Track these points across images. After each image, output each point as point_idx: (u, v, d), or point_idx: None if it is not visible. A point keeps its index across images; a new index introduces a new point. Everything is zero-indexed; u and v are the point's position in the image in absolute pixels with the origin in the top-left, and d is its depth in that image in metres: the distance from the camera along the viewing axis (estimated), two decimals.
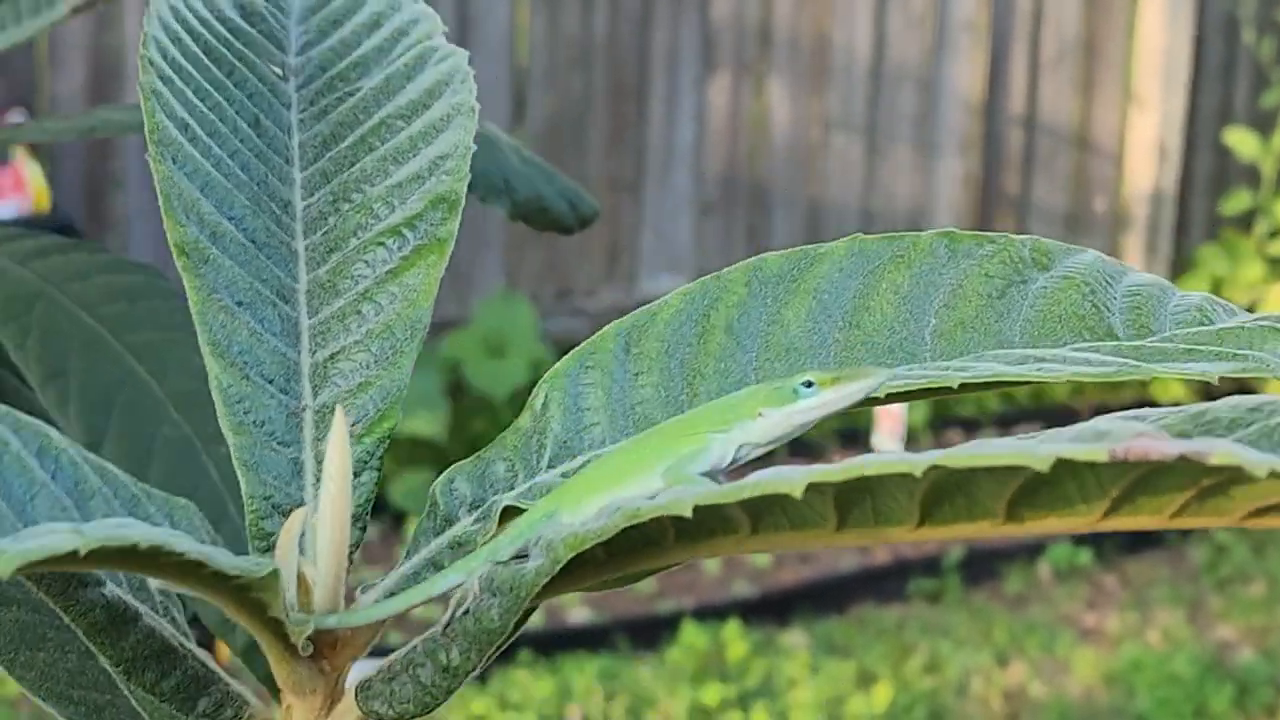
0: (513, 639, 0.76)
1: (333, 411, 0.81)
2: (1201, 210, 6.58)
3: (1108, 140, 6.43)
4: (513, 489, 0.81)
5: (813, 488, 0.63)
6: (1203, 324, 0.82)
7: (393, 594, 0.78)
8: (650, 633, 4.50)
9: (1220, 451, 0.58)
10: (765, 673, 4.33)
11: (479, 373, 5.46)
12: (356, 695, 0.76)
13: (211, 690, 0.77)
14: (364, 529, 0.80)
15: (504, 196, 1.29)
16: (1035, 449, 0.60)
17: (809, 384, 0.76)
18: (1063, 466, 0.61)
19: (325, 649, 0.78)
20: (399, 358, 0.84)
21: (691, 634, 4.40)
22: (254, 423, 0.82)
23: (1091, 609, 4.80)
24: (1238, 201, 6.32)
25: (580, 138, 5.80)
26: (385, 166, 0.91)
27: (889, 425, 5.25)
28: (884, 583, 4.85)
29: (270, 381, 0.83)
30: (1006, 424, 5.61)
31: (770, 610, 4.66)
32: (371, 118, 0.94)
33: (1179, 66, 6.32)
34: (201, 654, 0.77)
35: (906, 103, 6.16)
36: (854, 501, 0.66)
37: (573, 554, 0.68)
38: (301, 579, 0.76)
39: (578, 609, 4.64)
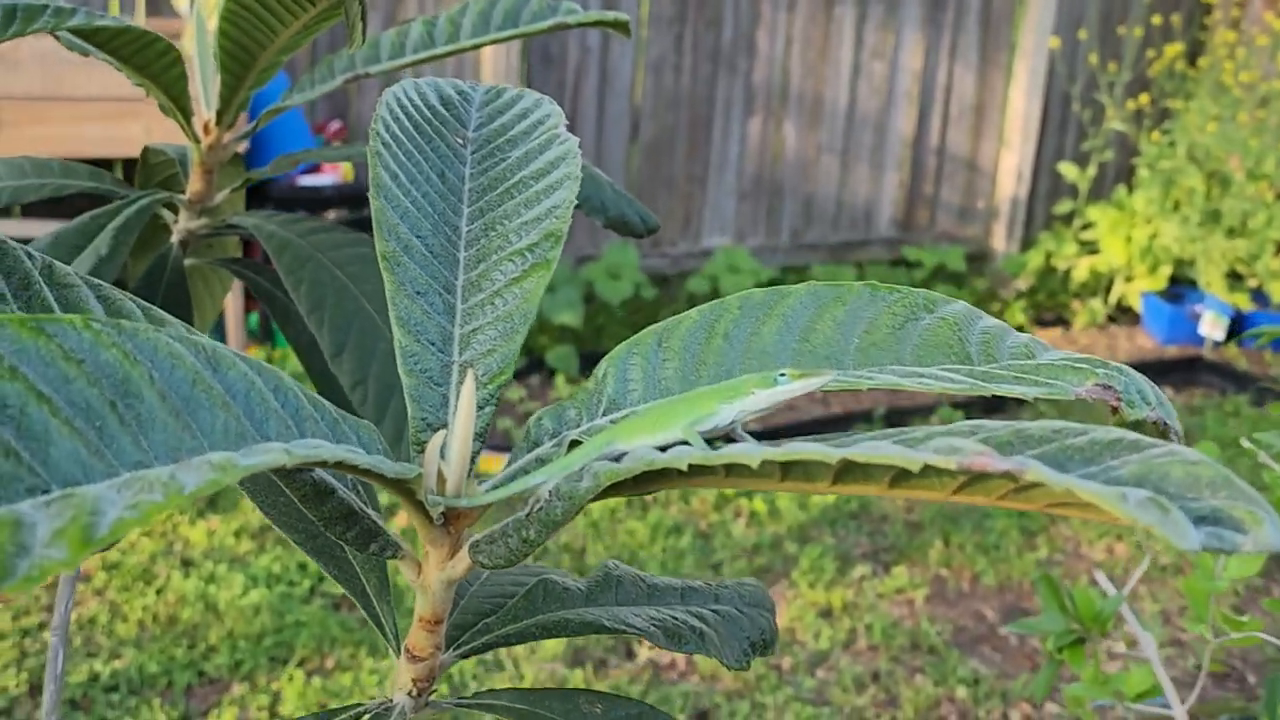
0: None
1: (471, 366, 0.77)
2: (1042, 210, 6.49)
3: (987, 166, 6.33)
4: (579, 427, 0.76)
5: (766, 461, 0.59)
6: (1028, 358, 0.77)
7: (497, 488, 0.74)
8: None
9: (1031, 470, 0.53)
10: None
11: (604, 289, 5.48)
12: (470, 550, 0.72)
13: (379, 539, 0.73)
14: (483, 441, 0.75)
15: (601, 214, 1.26)
16: (911, 455, 0.55)
17: (784, 375, 0.71)
18: (927, 468, 0.57)
19: (452, 520, 0.73)
20: (514, 335, 0.79)
21: None
22: (420, 370, 0.77)
23: None
24: (1063, 206, 6.24)
25: (671, 150, 5.73)
26: (519, 210, 0.85)
27: None
28: (836, 425, 4.78)
29: (433, 344, 0.78)
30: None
31: (767, 438, 4.57)
32: (514, 177, 0.88)
33: (1033, 124, 6.21)
34: (376, 516, 0.73)
35: (867, 138, 6.06)
36: (792, 470, 0.62)
37: (610, 482, 0.64)
38: (440, 474, 0.72)
39: None
